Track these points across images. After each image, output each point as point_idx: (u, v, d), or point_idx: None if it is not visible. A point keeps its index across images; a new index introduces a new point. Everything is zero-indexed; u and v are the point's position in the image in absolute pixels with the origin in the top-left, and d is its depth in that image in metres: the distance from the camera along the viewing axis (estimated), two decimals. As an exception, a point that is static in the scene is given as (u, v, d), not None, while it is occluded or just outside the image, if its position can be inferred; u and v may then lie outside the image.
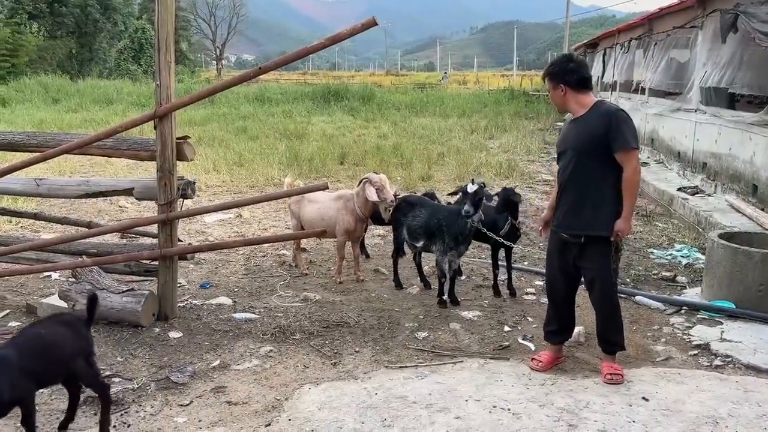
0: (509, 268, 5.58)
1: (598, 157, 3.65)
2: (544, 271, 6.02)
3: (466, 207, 4.78)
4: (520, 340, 4.50)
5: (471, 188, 4.83)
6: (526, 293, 5.52)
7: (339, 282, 5.79)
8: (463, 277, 5.89)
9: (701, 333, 4.59)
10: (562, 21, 42.77)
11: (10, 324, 4.72)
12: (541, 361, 3.98)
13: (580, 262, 3.82)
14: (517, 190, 5.39)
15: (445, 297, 5.16)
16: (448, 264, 5.13)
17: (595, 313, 3.93)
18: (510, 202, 5.19)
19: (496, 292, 5.44)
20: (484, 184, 4.98)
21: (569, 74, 3.78)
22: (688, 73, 10.74)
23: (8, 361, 2.83)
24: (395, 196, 5.52)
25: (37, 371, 2.94)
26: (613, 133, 3.60)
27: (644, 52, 13.64)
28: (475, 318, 4.93)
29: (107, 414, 3.18)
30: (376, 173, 5.62)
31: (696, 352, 4.32)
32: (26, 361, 2.90)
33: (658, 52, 12.39)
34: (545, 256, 4.22)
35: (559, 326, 4.05)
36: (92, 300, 3.33)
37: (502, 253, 5.48)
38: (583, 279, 3.95)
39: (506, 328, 4.73)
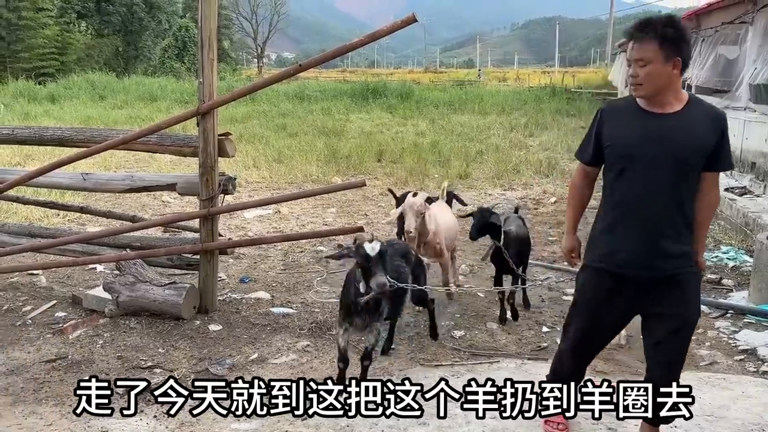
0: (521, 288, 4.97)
1: (696, 171, 2.72)
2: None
3: (362, 284, 3.34)
4: (559, 342, 4.43)
5: (372, 248, 3.24)
6: (566, 294, 5.43)
7: None
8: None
9: (748, 338, 4.46)
10: (606, 17, 41.95)
11: (57, 314, 4.87)
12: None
13: (658, 307, 2.78)
14: (495, 210, 4.61)
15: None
16: (345, 341, 3.60)
17: (659, 371, 2.85)
18: (488, 225, 4.41)
19: (501, 318, 4.77)
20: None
21: (687, 47, 2.67)
22: (736, 70, 10.42)
23: None
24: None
25: None
26: (724, 147, 2.72)
27: (691, 48, 13.28)
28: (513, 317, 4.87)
29: None
30: (414, 194, 4.77)
31: (742, 357, 4.19)
32: None
33: (705, 48, 12.04)
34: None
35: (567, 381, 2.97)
36: None
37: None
38: (648, 329, 2.87)
39: (544, 329, 4.67)
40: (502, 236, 4.47)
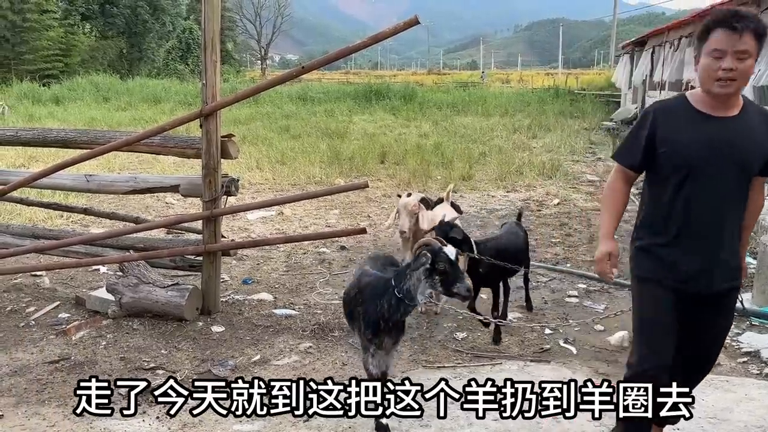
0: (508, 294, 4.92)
1: (751, 177, 2.60)
2: (587, 273, 5.94)
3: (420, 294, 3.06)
4: (562, 343, 4.44)
5: (451, 252, 3.05)
6: (569, 296, 5.43)
7: None
8: None
9: (751, 340, 4.45)
10: (610, 19, 41.97)
11: (60, 315, 4.88)
12: None
13: (707, 318, 2.69)
14: (457, 222, 4.44)
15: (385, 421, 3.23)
16: (376, 368, 3.28)
17: (691, 373, 2.85)
18: (449, 240, 4.02)
19: (495, 337, 4.49)
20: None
21: None
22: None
23: None
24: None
25: None
26: None
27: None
28: (515, 320, 4.87)
29: None
30: (409, 195, 4.83)
31: (745, 359, 4.18)
32: None
33: (709, 50, 12.03)
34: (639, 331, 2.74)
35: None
36: None
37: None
38: (687, 333, 2.72)
39: (547, 331, 4.67)
40: (475, 248, 4.25)
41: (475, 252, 4.25)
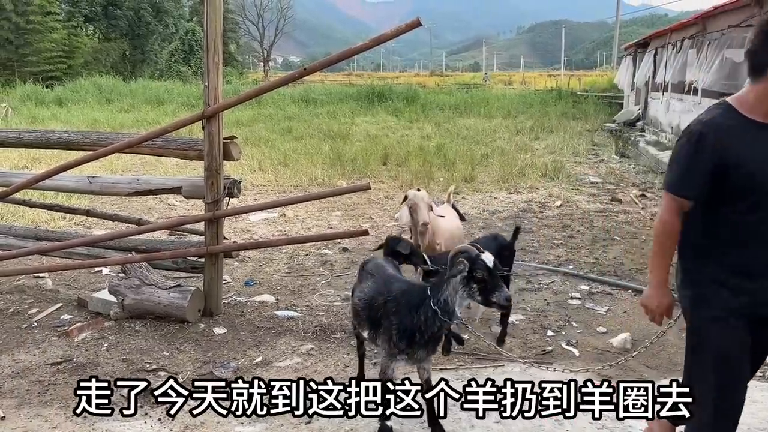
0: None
1: None
2: (589, 275, 5.93)
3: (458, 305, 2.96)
4: (564, 346, 4.43)
5: (489, 259, 2.89)
6: (571, 297, 5.42)
7: None
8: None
9: (754, 342, 4.43)
10: (612, 20, 41.96)
11: (62, 317, 4.89)
12: None
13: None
14: (404, 236, 4.30)
15: (389, 423, 3.20)
16: (392, 373, 3.16)
17: None
18: (396, 253, 3.95)
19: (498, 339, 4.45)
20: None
21: None
22: (743, 74, 10.37)
23: None
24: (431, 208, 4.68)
25: None
26: None
27: (697, 51, 13.24)
28: (518, 322, 4.86)
29: None
30: (418, 189, 4.75)
31: (748, 361, 4.16)
32: None
33: (712, 51, 12.02)
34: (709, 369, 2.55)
35: None
36: None
37: None
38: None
39: (549, 333, 4.66)
40: (428, 260, 3.95)
41: (429, 264, 3.91)
